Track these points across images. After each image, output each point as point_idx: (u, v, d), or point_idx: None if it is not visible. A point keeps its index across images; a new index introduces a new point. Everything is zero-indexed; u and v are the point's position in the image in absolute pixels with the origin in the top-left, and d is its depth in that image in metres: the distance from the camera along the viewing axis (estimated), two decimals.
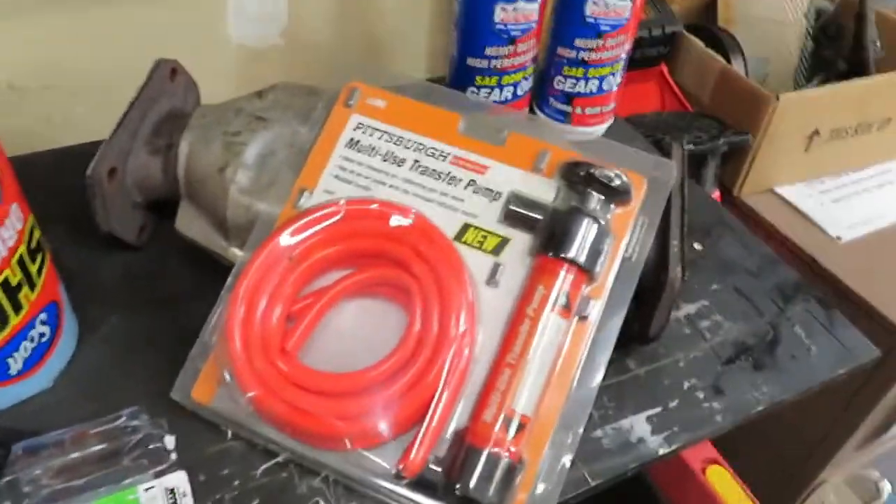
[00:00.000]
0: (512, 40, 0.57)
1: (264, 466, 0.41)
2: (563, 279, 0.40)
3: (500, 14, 0.55)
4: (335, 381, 0.39)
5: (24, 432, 0.40)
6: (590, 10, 0.58)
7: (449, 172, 0.44)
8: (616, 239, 0.42)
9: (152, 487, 0.39)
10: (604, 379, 0.44)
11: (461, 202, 0.43)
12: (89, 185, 0.46)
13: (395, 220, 0.42)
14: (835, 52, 0.95)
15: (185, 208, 0.49)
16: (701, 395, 0.47)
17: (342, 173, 0.45)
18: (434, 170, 0.44)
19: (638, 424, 0.45)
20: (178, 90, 0.53)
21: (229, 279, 0.43)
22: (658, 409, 0.46)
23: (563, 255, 0.40)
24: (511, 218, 0.43)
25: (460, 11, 0.57)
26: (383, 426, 0.38)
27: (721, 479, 0.46)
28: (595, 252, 0.40)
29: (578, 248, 0.40)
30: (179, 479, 0.40)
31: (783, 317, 0.54)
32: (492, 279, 0.42)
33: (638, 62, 0.84)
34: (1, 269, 0.37)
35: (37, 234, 0.41)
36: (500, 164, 0.44)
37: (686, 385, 0.48)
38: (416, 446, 0.38)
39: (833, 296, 0.75)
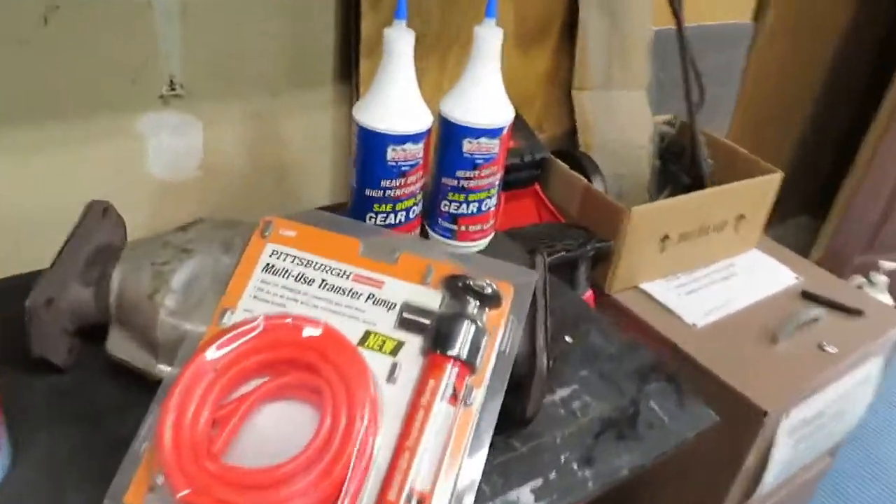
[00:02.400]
0: (402, 174, 0.67)
1: None
2: (450, 373, 0.48)
3: (391, 153, 0.66)
4: (257, 475, 0.45)
5: None
6: (466, 147, 0.70)
7: (351, 288, 0.52)
8: (491, 336, 0.51)
9: None
10: (492, 458, 0.52)
11: (362, 312, 0.52)
12: (28, 313, 0.51)
13: (307, 332, 0.49)
14: (678, 168, 1.12)
15: (114, 332, 0.55)
16: (575, 465, 0.56)
17: (260, 294, 0.52)
18: (339, 287, 0.53)
19: (523, 496, 0.53)
20: (108, 226, 0.60)
21: (159, 391, 0.49)
22: (539, 482, 0.54)
23: (448, 353, 0.49)
24: (405, 324, 0.51)
25: (358, 151, 0.68)
26: None
27: None
28: (474, 348, 0.49)
29: (460, 346, 0.49)
30: None
31: (641, 394, 0.64)
32: (391, 376, 0.50)
33: (515, 183, 0.97)
34: None
35: None
36: (394, 280, 0.53)
37: (562, 458, 0.56)
38: None
39: (692, 375, 0.87)
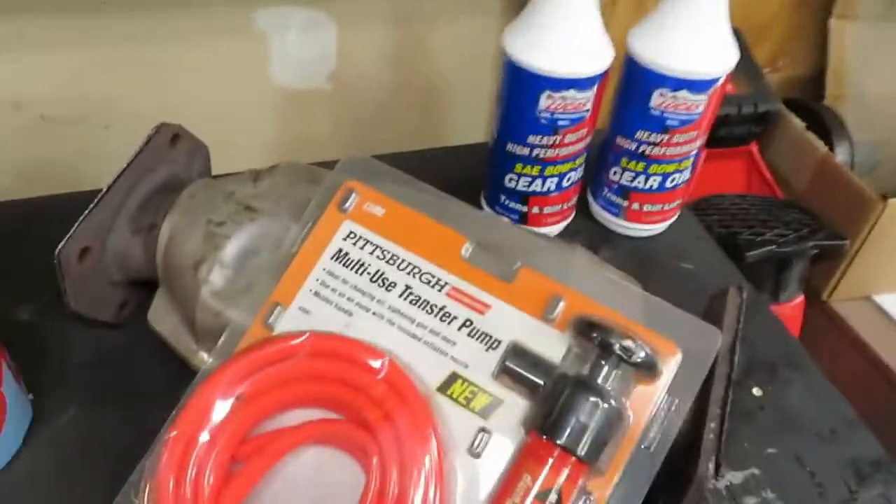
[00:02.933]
0: (559, 130, 0.49)
1: None
2: (555, 470, 0.32)
3: (545, 102, 0.47)
4: None
5: None
6: (656, 101, 0.49)
7: (443, 307, 0.37)
8: (634, 422, 0.34)
9: None
10: None
11: (452, 345, 0.36)
12: (58, 264, 0.42)
13: (366, 367, 0.35)
14: None
15: (160, 298, 0.45)
16: None
17: (323, 290, 0.38)
18: (427, 301, 0.37)
19: None
20: (180, 157, 0.49)
21: (179, 403, 0.37)
22: None
23: (557, 441, 0.32)
24: (507, 375, 0.35)
25: (503, 90, 0.50)
26: None
27: None
28: (599, 441, 0.32)
29: (577, 435, 0.32)
30: None
31: (855, 502, 0.44)
32: (474, 447, 0.34)
33: (725, 140, 0.74)
34: None
35: None
36: (505, 305, 0.36)
37: None
38: None
39: None
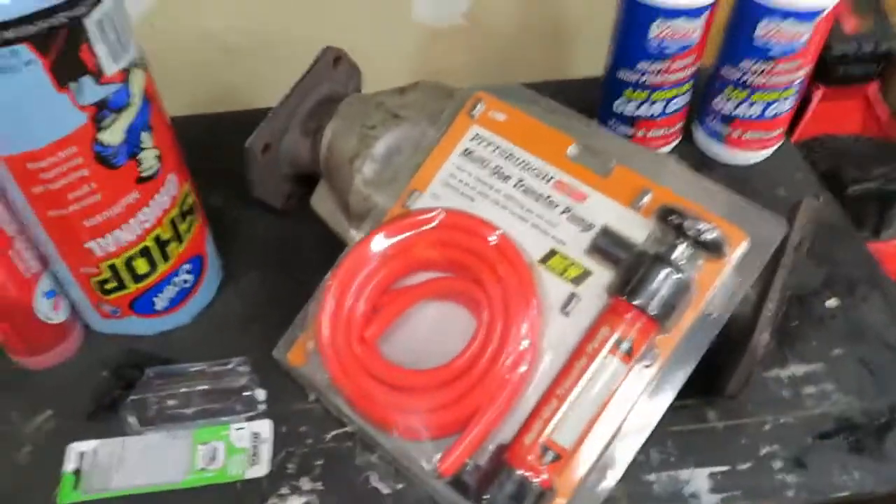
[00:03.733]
0: (667, 57, 0.55)
1: (334, 433, 0.46)
2: (630, 325, 0.40)
3: (655, 30, 0.53)
4: (398, 375, 0.43)
5: (159, 359, 0.49)
6: (761, 31, 0.54)
7: (549, 196, 0.45)
8: (698, 294, 0.41)
9: (242, 428, 0.46)
10: (676, 423, 0.45)
11: (554, 227, 0.44)
12: (246, 156, 0.54)
13: (483, 238, 0.44)
14: None
15: (321, 187, 0.55)
16: (778, 464, 0.45)
17: (452, 181, 0.47)
18: (535, 191, 0.45)
19: (697, 479, 0.44)
20: (340, 76, 0.59)
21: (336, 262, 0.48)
22: (724, 468, 0.45)
23: (633, 301, 0.40)
24: (596, 251, 0.43)
25: (617, 20, 0.56)
26: (429, 428, 0.41)
27: None
28: (668, 305, 0.40)
29: (650, 298, 0.40)
30: (265, 427, 0.46)
31: None
32: (565, 308, 0.43)
33: (842, 79, 0.75)
34: (155, 227, 0.45)
35: (190, 199, 0.48)
36: (600, 195, 0.44)
37: (764, 450, 0.45)
38: (453, 454, 0.41)
39: None
